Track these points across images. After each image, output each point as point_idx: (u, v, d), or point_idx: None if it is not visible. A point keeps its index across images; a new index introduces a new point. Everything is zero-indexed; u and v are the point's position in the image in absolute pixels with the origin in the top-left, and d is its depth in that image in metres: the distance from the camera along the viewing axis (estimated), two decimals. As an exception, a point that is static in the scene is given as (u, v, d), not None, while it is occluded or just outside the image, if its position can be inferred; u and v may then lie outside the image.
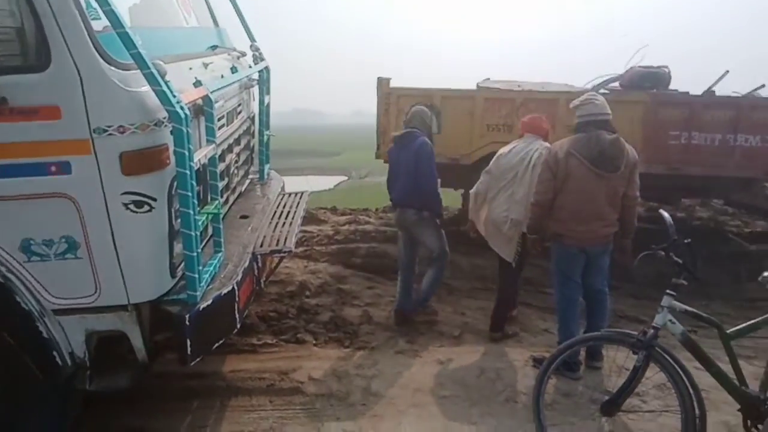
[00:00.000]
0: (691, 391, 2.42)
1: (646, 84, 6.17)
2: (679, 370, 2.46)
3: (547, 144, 3.99)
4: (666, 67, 6.32)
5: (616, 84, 6.54)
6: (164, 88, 2.16)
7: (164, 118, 2.27)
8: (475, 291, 5.33)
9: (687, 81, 6.43)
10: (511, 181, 3.96)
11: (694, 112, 5.85)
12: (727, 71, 6.40)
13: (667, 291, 2.59)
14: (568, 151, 3.41)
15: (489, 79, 6.87)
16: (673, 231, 2.55)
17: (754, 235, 7.41)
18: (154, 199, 2.33)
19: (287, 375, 3.63)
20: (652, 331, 2.56)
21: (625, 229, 3.58)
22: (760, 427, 2.55)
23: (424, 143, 4.18)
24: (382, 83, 6.31)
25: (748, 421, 2.58)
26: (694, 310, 2.66)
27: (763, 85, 6.09)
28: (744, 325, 2.64)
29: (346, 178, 24.96)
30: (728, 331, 2.62)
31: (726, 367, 2.63)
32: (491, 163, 4.17)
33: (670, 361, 2.48)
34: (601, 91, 6.40)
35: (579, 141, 3.43)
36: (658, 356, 2.51)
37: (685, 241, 2.61)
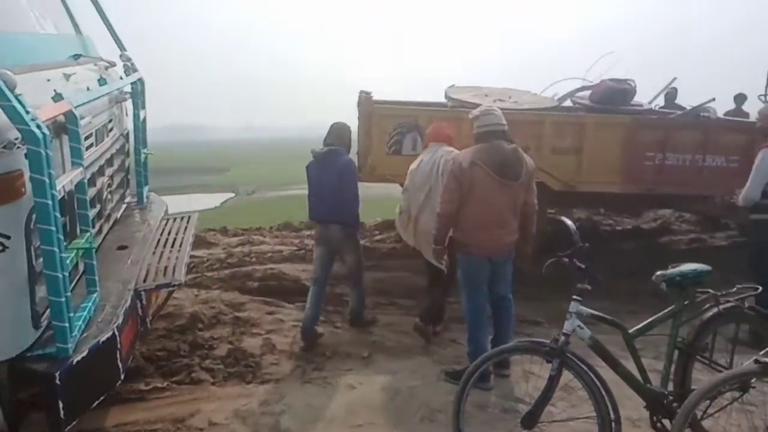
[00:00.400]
0: (605, 396, 2.46)
1: (617, 99, 6.35)
2: (592, 375, 2.49)
3: (451, 149, 4.06)
4: (632, 80, 6.53)
5: (584, 94, 6.73)
6: (14, 103, 1.79)
7: (16, 138, 1.89)
8: (380, 306, 5.21)
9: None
10: (428, 195, 4.00)
11: (669, 135, 5.96)
12: (675, 78, 6.90)
13: (574, 297, 2.63)
14: (473, 161, 3.43)
15: (454, 85, 6.65)
16: (576, 238, 2.60)
17: (624, 233, 8.11)
18: (8, 237, 1.95)
19: (183, 422, 3.23)
20: (563, 338, 2.58)
21: (526, 236, 3.67)
22: (665, 421, 2.67)
23: (348, 162, 4.27)
24: (364, 99, 5.65)
25: (654, 417, 2.69)
26: (599, 314, 2.74)
27: (713, 99, 6.59)
28: (643, 324, 2.76)
29: (233, 195, 23.98)
30: (630, 331, 2.72)
31: (630, 365, 2.73)
32: (406, 180, 4.23)
33: (584, 367, 2.52)
34: (572, 100, 6.74)
35: (482, 151, 3.47)
36: (571, 363, 2.53)
37: (585, 245, 2.68)
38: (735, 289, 2.87)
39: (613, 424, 2.41)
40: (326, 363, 4.04)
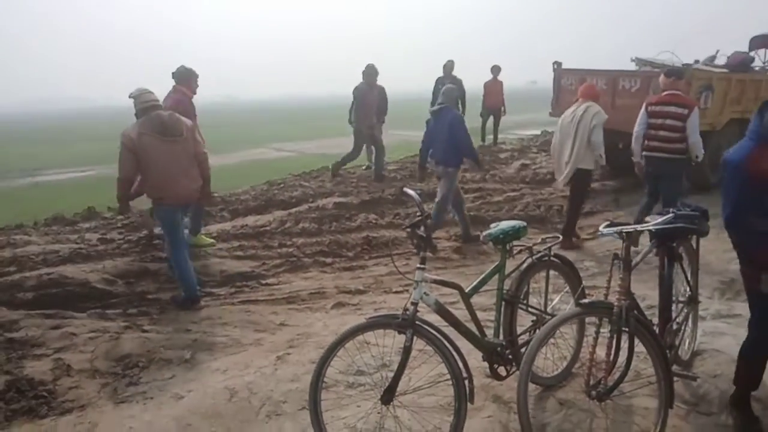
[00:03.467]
0: (456, 356, 2.53)
1: (748, 65, 8.61)
2: (443, 339, 2.54)
3: (595, 104, 5.64)
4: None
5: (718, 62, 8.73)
6: None
7: None
8: (207, 297, 4.70)
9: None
10: (568, 135, 5.64)
11: None
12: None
13: (418, 266, 2.64)
14: (140, 132, 4.24)
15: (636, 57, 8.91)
16: (421, 207, 2.59)
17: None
18: None
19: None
20: (412, 307, 2.58)
21: (205, 179, 4.61)
22: (500, 369, 2.88)
23: (455, 116, 5.74)
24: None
25: (494, 366, 2.88)
26: (440, 278, 2.81)
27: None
28: (476, 281, 2.91)
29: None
30: (466, 290, 2.85)
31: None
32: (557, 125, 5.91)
33: (434, 333, 2.55)
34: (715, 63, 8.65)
35: (145, 122, 4.28)
36: (422, 331, 2.55)
37: (426, 215, 2.69)
38: (541, 240, 3.20)
39: (466, 381, 2.50)
40: (141, 374, 3.50)
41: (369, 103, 8.72)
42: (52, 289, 4.58)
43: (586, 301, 2.59)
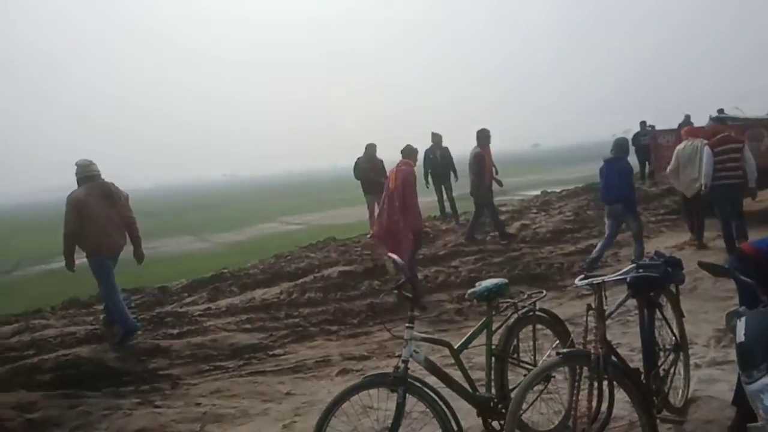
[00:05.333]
0: (447, 411, 2.67)
1: None
2: (434, 396, 2.69)
3: (705, 141, 7.15)
4: None
5: None
6: None
7: None
8: (204, 372, 4.86)
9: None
10: (692, 161, 7.51)
11: None
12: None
13: (407, 324, 2.84)
14: (86, 194, 5.32)
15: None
16: (405, 271, 2.83)
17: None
18: None
19: None
20: (403, 365, 2.75)
21: (135, 239, 5.60)
22: (494, 423, 3.00)
23: (627, 164, 6.75)
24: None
25: (488, 421, 3.00)
26: (430, 336, 2.99)
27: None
28: (465, 338, 3.08)
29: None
30: (456, 347, 3.02)
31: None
32: (675, 151, 7.88)
33: (425, 389, 2.71)
34: None
35: (90, 187, 5.39)
36: (414, 388, 2.70)
37: (410, 277, 2.92)
38: (526, 295, 3.38)
39: (458, 436, 2.63)
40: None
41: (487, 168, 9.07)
42: (69, 370, 4.77)
43: (564, 350, 2.75)
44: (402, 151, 6.70)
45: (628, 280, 2.95)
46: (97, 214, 5.25)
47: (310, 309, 6.32)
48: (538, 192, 15.34)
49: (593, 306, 2.76)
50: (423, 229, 7.67)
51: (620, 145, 6.90)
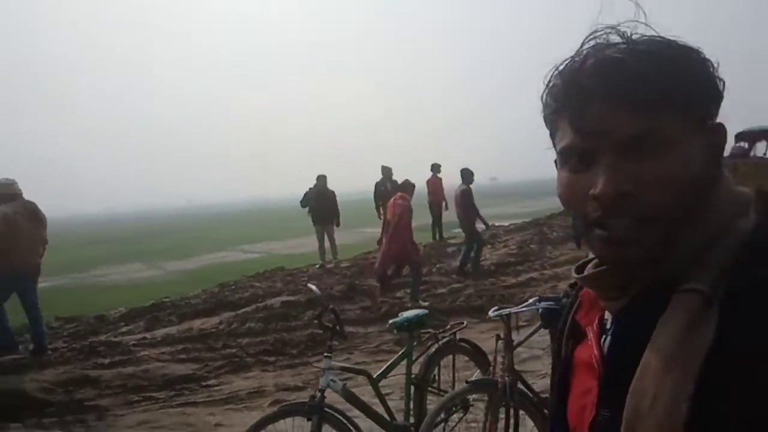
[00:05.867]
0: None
1: None
2: (349, 425, 2.76)
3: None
4: None
5: None
6: None
7: None
8: (134, 404, 4.75)
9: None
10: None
11: None
12: None
13: (325, 354, 2.92)
14: (15, 212, 5.56)
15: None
16: (323, 300, 2.92)
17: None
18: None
19: None
20: (319, 394, 2.82)
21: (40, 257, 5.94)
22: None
23: None
24: None
25: (403, 450, 3.08)
26: (347, 365, 3.07)
27: None
28: (384, 367, 3.18)
29: None
30: (374, 376, 3.11)
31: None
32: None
33: (341, 418, 2.77)
34: None
35: (20, 205, 5.69)
36: (329, 417, 2.77)
37: (330, 307, 3.02)
38: (449, 326, 3.52)
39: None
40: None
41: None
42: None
43: (472, 379, 2.89)
44: (399, 186, 7.19)
45: (539, 311, 3.12)
46: (23, 233, 5.51)
47: (249, 339, 6.27)
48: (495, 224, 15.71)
49: (502, 336, 2.92)
50: (420, 261, 7.97)
51: None
